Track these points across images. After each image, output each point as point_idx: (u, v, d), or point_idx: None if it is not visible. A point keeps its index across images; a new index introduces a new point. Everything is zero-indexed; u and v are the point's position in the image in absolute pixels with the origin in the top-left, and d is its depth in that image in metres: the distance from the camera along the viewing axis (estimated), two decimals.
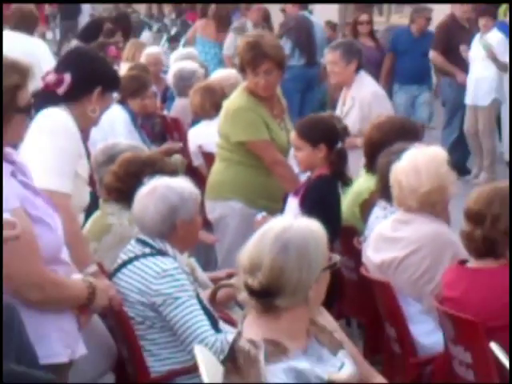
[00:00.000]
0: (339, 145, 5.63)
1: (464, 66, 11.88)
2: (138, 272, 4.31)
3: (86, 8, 27.92)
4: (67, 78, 4.45)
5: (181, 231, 4.42)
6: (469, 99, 11.85)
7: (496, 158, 12.08)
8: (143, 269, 4.30)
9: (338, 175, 5.62)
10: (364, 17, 12.49)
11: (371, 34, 12.44)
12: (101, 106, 4.54)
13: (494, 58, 11.63)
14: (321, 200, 5.33)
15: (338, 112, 7.83)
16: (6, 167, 3.64)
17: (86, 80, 4.48)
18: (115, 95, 5.89)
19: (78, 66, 4.59)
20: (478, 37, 11.82)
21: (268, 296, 3.21)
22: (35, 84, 3.97)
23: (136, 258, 4.37)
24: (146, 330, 4.28)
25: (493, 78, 11.68)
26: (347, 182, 5.75)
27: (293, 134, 5.66)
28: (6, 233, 3.69)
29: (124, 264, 4.39)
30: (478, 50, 11.71)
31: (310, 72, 12.56)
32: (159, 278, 4.24)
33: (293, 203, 5.55)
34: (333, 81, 8.31)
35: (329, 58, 8.01)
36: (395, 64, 11.60)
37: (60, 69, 4.58)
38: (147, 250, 4.38)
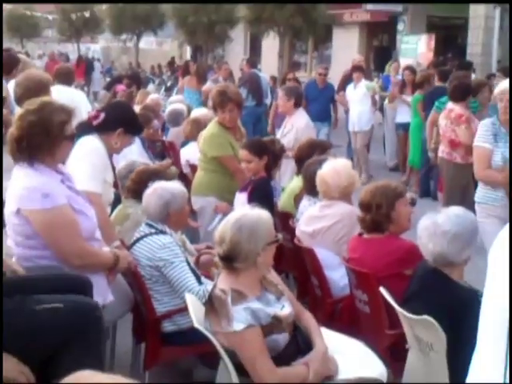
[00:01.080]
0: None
1: None
2: (147, 245, 4.28)
3: (97, 66, 27.87)
4: (102, 115, 4.43)
5: (173, 217, 4.40)
6: (351, 127, 11.78)
7: (372, 164, 12.02)
8: (150, 243, 4.28)
9: (270, 176, 5.72)
10: (290, 75, 12.34)
11: None
12: (122, 141, 4.49)
13: (373, 96, 11.73)
14: (262, 194, 5.35)
15: (279, 133, 7.94)
16: (57, 176, 3.63)
17: (112, 121, 4.45)
18: None
19: (110, 110, 4.58)
20: (352, 85, 11.75)
21: (229, 260, 3.24)
22: (76, 121, 3.95)
23: (145, 235, 4.34)
24: (153, 284, 4.25)
25: (369, 111, 11.63)
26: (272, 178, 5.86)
27: (244, 151, 5.62)
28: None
29: (137, 240, 4.36)
30: (353, 94, 11.66)
31: (259, 110, 12.65)
32: (161, 249, 4.22)
33: (241, 197, 5.52)
34: (279, 109, 8.54)
35: (279, 94, 8.42)
36: (306, 107, 10.48)
37: (102, 109, 4.58)
38: (152, 230, 4.35)
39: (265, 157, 5.55)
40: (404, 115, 11.43)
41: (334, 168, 4.99)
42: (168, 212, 4.37)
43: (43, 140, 3.51)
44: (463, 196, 7.00)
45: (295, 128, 7.64)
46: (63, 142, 3.60)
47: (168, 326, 4.25)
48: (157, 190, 4.40)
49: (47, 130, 3.51)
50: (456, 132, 7.49)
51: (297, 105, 7.89)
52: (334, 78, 13.35)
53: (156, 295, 4.26)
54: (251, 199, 5.28)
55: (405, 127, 11.32)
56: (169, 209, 4.37)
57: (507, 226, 2.38)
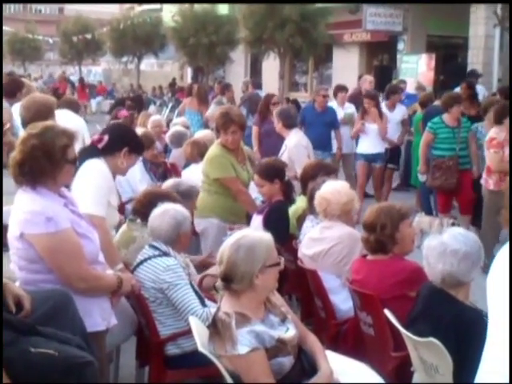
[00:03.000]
0: (286, 178, 5.74)
1: None
2: (151, 267, 4.29)
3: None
4: (105, 138, 4.44)
5: (182, 239, 4.46)
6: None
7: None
8: (154, 265, 4.28)
9: (288, 199, 5.71)
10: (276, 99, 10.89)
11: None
12: (127, 161, 4.49)
13: (352, 123, 10.72)
14: (278, 217, 5.35)
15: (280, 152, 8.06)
16: (60, 200, 3.62)
17: (117, 141, 4.46)
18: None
19: (113, 131, 4.59)
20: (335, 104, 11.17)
21: (227, 281, 3.24)
22: (78, 145, 3.95)
23: (149, 258, 4.35)
24: (157, 306, 4.25)
25: (348, 135, 10.66)
26: (293, 202, 5.82)
27: (256, 176, 5.70)
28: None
29: (141, 262, 4.37)
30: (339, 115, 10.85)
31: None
32: (165, 271, 4.23)
33: (257, 220, 5.56)
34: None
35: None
36: (305, 132, 9.25)
37: (104, 132, 4.59)
38: (156, 253, 4.36)
39: (276, 180, 5.60)
40: (365, 145, 10.29)
41: (333, 186, 5.04)
42: (179, 233, 4.42)
43: (45, 164, 3.51)
44: (497, 224, 6.84)
45: (287, 148, 7.77)
46: (65, 166, 3.60)
47: (171, 349, 4.24)
48: (169, 210, 4.45)
49: (49, 153, 3.51)
50: (488, 157, 7.41)
51: (288, 126, 8.03)
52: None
53: (160, 318, 4.26)
54: (267, 222, 5.31)
55: (367, 157, 10.27)
56: (180, 230, 4.42)
57: (507, 245, 2.38)
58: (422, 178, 9.09)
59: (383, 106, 10.90)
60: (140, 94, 19.38)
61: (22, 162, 3.51)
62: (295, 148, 7.70)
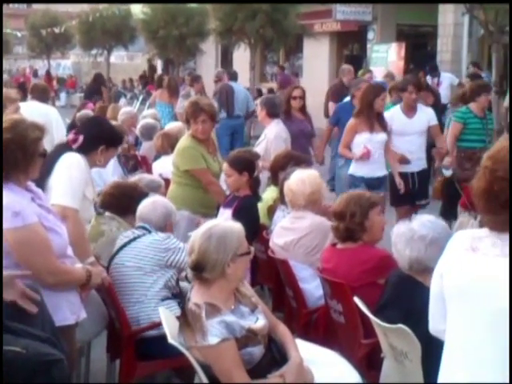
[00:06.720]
0: (256, 173, 5.68)
1: None
2: (147, 242, 4.38)
3: None
4: (80, 137, 4.40)
5: (168, 228, 4.61)
6: None
7: None
8: (150, 240, 4.39)
9: (256, 195, 5.66)
10: (297, 92, 8.57)
11: (303, 108, 8.53)
12: (105, 157, 4.48)
13: None
14: (248, 214, 5.31)
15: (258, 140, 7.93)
16: (28, 194, 3.59)
17: (93, 140, 4.43)
18: None
19: (88, 130, 4.54)
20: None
21: (198, 270, 3.24)
22: (48, 138, 3.92)
23: (139, 236, 4.44)
24: (140, 285, 4.33)
25: None
26: (260, 199, 5.80)
27: (225, 165, 5.62)
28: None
29: (129, 242, 4.44)
30: None
31: (232, 122, 12.43)
32: (164, 240, 4.37)
33: (226, 213, 5.48)
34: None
35: None
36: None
37: (78, 130, 4.54)
38: (146, 232, 4.48)
39: (245, 173, 5.46)
40: None
41: (299, 177, 5.05)
42: (167, 222, 4.60)
43: (19, 157, 3.49)
44: None
45: (267, 138, 7.66)
46: (38, 159, 3.58)
47: (151, 332, 4.22)
48: (161, 200, 4.74)
49: (23, 147, 3.49)
50: None
51: (271, 115, 7.82)
52: (307, 88, 13.30)
53: (130, 311, 4.25)
54: (236, 217, 5.28)
55: None
56: (169, 219, 4.61)
57: (457, 235, 2.44)
58: (446, 172, 8.30)
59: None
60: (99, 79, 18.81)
61: None
62: (275, 140, 7.55)
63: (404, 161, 7.59)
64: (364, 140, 7.14)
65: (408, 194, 7.57)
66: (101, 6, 28.74)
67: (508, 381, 2.17)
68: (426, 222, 3.64)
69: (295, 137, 7.96)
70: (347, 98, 9.54)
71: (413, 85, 7.58)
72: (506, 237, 2.27)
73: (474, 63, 15.56)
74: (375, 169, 7.24)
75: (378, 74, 14.75)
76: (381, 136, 7.21)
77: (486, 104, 8.16)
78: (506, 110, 12.83)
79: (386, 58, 18.32)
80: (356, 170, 7.26)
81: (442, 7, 16.67)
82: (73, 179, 4.26)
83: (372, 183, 7.08)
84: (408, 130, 7.56)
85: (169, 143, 7.81)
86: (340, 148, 7.54)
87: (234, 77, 13.26)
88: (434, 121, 7.76)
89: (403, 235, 3.61)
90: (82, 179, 4.32)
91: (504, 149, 2.29)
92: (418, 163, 7.67)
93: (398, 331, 3.35)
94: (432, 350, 3.16)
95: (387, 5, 19.71)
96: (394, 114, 7.60)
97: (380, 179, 7.31)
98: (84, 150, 4.38)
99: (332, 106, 10.88)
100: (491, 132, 8.22)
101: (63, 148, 4.44)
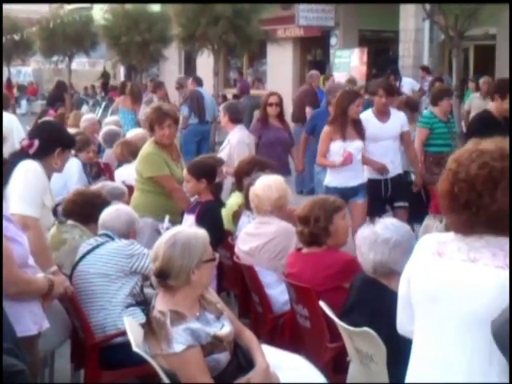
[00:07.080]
0: (217, 179, 5.67)
1: None
2: (110, 249, 4.37)
3: None
4: (36, 142, 4.35)
5: (131, 235, 4.60)
6: None
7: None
8: (114, 246, 4.39)
9: (218, 200, 5.65)
10: (273, 98, 8.14)
11: (280, 115, 8.17)
12: (62, 159, 4.43)
13: None
14: (211, 218, 5.28)
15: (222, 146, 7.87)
16: None
17: (48, 144, 4.37)
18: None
19: (43, 134, 4.49)
20: None
21: (163, 277, 3.23)
22: (9, 145, 3.88)
23: (102, 243, 4.43)
24: (102, 295, 4.32)
25: None
26: (222, 205, 5.79)
27: (185, 171, 5.62)
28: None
29: (92, 249, 4.42)
30: None
31: (202, 128, 12.53)
32: (128, 246, 4.40)
33: (189, 219, 5.46)
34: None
35: None
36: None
37: (32, 135, 4.48)
38: (109, 239, 4.47)
39: (203, 180, 5.44)
40: None
41: (265, 182, 5.05)
42: (130, 230, 4.60)
43: None
44: None
45: (230, 144, 7.62)
46: None
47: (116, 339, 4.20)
48: (124, 208, 4.78)
49: None
50: None
51: (234, 120, 7.75)
52: None
53: (93, 320, 4.21)
54: (199, 222, 5.26)
55: None
56: (132, 227, 4.63)
57: (424, 238, 2.48)
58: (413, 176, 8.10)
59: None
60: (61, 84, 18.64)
61: None
62: (238, 145, 7.50)
63: (382, 170, 7.36)
64: (338, 148, 6.85)
65: (381, 201, 7.44)
66: (62, 12, 28.50)
67: (508, 381, 2.21)
68: (389, 225, 3.66)
69: (271, 145, 7.87)
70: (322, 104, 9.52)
71: (383, 89, 7.41)
72: (471, 240, 2.31)
73: (423, 67, 15.82)
74: (350, 177, 6.95)
75: (340, 79, 14.85)
76: (356, 144, 6.92)
77: (448, 108, 8.17)
78: (466, 114, 13.03)
79: (348, 64, 18.46)
80: (330, 180, 7.04)
81: (403, 13, 16.85)
82: (31, 188, 4.20)
83: (346, 193, 6.74)
84: (382, 134, 7.34)
85: (128, 151, 7.80)
86: (318, 158, 7.17)
87: (199, 82, 13.23)
88: (407, 126, 7.55)
89: (367, 238, 3.63)
90: (39, 187, 4.27)
91: (467, 152, 2.34)
92: (391, 168, 7.41)
93: (364, 334, 3.37)
94: (397, 352, 3.18)
95: (349, 10, 19.88)
96: (367, 119, 7.33)
97: (354, 188, 6.99)
98: (41, 154, 4.33)
99: (309, 111, 10.96)
100: (455, 135, 8.20)
101: (19, 155, 4.36)
